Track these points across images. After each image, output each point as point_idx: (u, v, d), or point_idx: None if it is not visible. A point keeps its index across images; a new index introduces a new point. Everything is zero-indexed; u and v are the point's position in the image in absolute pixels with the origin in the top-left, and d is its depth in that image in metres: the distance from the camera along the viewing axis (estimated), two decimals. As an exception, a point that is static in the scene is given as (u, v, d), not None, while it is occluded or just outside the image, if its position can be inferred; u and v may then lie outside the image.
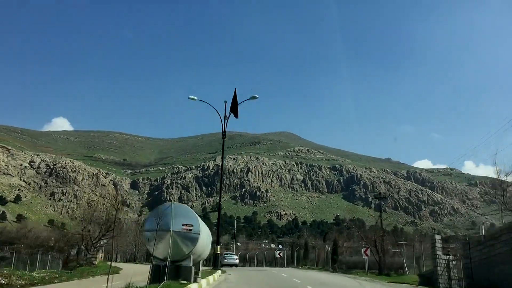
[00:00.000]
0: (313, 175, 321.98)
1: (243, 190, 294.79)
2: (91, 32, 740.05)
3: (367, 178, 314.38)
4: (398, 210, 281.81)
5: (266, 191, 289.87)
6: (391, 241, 65.17)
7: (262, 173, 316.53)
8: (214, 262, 40.77)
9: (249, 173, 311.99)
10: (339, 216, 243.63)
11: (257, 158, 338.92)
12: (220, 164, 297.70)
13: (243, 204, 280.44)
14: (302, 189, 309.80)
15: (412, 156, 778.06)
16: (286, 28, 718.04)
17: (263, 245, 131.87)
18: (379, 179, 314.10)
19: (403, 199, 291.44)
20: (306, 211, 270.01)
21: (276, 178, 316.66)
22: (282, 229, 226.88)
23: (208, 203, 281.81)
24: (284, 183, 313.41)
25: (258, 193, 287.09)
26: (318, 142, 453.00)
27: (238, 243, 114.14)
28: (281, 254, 68.64)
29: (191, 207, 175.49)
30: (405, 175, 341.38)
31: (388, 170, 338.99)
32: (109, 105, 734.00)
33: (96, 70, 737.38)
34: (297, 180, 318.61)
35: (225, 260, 54.32)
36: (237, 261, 56.67)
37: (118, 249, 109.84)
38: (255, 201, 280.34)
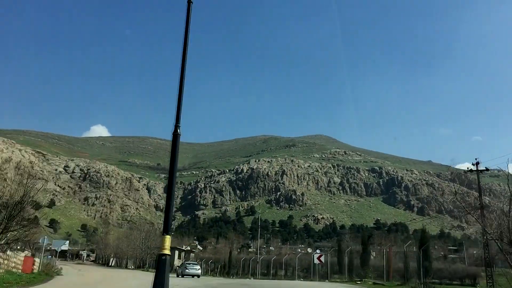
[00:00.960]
0: (351, 178, 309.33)
1: (278, 193, 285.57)
2: (127, 44, 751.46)
3: (408, 180, 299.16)
4: (442, 213, 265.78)
5: (302, 194, 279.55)
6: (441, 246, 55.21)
7: (297, 176, 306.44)
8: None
9: (284, 176, 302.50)
10: (379, 220, 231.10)
11: (292, 160, 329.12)
12: (254, 167, 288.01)
13: (278, 208, 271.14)
14: (339, 192, 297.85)
15: (453, 158, 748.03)
16: (321, 30, 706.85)
17: (299, 250, 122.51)
18: (422, 181, 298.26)
19: (448, 202, 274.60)
20: (344, 215, 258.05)
21: (312, 181, 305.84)
22: (319, 234, 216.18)
23: (242, 207, 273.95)
24: (321, 186, 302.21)
25: (293, 197, 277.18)
26: (354, 144, 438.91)
27: (271, 247, 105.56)
28: (322, 258, 48.27)
29: (224, 211, 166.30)
30: (449, 176, 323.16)
31: (431, 172, 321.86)
32: (144, 111, 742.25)
33: (133, 78, 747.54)
34: (334, 183, 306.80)
35: (187, 271, 51.05)
36: (199, 271, 52.54)
37: (116, 253, 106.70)
38: (291, 205, 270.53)
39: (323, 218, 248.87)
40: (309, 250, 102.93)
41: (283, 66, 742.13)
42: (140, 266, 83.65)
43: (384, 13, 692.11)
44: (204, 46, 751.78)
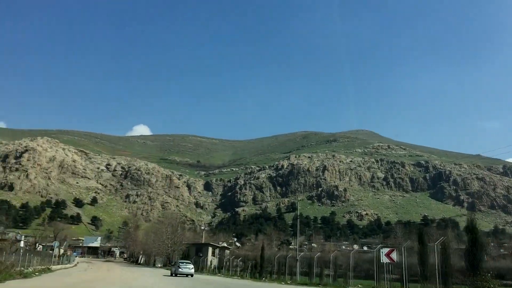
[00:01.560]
0: (396, 173, 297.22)
1: (320, 189, 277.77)
2: (168, 46, 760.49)
3: (457, 174, 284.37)
4: (495, 209, 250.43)
5: (345, 190, 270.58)
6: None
7: (339, 172, 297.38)
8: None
9: (326, 171, 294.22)
10: (427, 216, 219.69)
11: (333, 156, 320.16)
12: (295, 163, 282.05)
13: (319, 204, 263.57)
14: (383, 188, 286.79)
15: (504, 152, 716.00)
16: (365, 22, 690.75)
17: (343, 247, 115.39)
18: (471, 176, 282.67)
19: (501, 197, 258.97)
20: (390, 211, 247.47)
21: (355, 177, 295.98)
22: (363, 230, 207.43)
23: (282, 203, 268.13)
24: (364, 182, 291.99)
25: (335, 193, 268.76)
26: (397, 138, 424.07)
27: (313, 244, 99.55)
28: (393, 255, 32.31)
29: (265, 208, 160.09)
30: (501, 170, 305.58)
31: (481, 166, 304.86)
32: (184, 110, 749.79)
33: (174, 78, 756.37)
34: (377, 178, 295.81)
35: (180, 269, 50.29)
36: (193, 270, 51.78)
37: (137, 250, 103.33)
38: (333, 201, 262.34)
39: (367, 214, 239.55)
40: (356, 246, 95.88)
41: (323, 61, 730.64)
42: (168, 263, 77.04)
43: (443, 5, 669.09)
44: (243, 46, 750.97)
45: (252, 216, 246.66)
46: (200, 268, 62.24)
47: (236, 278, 49.64)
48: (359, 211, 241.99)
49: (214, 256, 64.72)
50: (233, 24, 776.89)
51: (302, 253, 49.36)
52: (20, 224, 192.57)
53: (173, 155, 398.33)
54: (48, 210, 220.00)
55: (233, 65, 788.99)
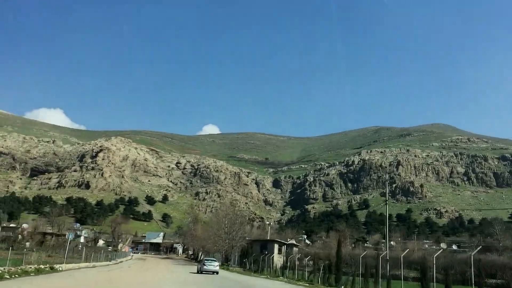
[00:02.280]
0: (478, 167, 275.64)
1: (394, 185, 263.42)
2: (234, 46, 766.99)
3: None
4: None
5: (421, 186, 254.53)
6: None
7: (414, 167, 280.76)
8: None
9: (400, 167, 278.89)
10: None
11: (407, 150, 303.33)
12: (366, 158, 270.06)
13: (394, 201, 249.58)
14: (464, 183, 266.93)
15: None
16: (444, 13, 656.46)
17: (426, 246, 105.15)
18: None
19: None
20: (472, 208, 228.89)
21: (432, 172, 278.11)
22: (443, 228, 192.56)
23: (354, 200, 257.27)
24: (442, 177, 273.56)
25: (411, 189, 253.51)
26: (478, 131, 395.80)
27: (392, 243, 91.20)
28: None
29: (336, 205, 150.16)
30: None
31: None
32: (252, 108, 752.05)
33: (242, 78, 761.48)
34: (457, 173, 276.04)
35: (204, 267, 49.26)
36: (217, 268, 50.26)
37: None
38: (408, 197, 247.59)
39: (446, 211, 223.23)
40: (443, 245, 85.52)
41: (393, 53, 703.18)
42: (225, 261, 69.92)
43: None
44: (313, 43, 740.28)
45: (322, 214, 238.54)
46: (261, 268, 52.62)
47: (303, 284, 37.52)
48: (438, 208, 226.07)
49: (280, 254, 57.47)
50: (306, 21, 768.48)
51: (383, 253, 40.72)
52: (95, 221, 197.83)
53: (242, 153, 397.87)
54: (121, 208, 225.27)
55: (302, 62, 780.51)
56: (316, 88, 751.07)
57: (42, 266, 30.05)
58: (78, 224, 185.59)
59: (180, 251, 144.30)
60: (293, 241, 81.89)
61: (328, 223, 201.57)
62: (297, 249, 66.16)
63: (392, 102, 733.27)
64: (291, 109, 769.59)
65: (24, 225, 69.56)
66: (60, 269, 32.04)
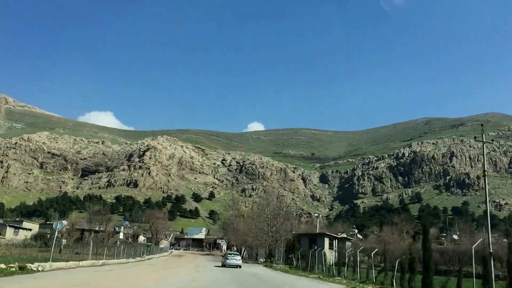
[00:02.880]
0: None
1: (448, 178, 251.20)
2: (276, 44, 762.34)
3: None
4: None
5: (477, 177, 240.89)
6: None
7: (469, 158, 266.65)
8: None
9: (454, 158, 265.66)
10: None
11: (461, 141, 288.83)
12: (417, 150, 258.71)
13: (448, 193, 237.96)
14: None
15: None
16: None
17: (492, 239, 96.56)
18: None
19: None
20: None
21: (489, 162, 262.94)
22: (504, 221, 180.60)
23: (405, 194, 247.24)
24: (500, 168, 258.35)
25: (466, 181, 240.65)
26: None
27: (454, 236, 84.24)
28: None
29: (386, 199, 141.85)
30: None
31: None
32: (296, 104, 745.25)
33: (286, 75, 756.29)
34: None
35: (227, 261, 50.51)
36: (240, 261, 51.60)
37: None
38: (464, 190, 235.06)
39: (506, 203, 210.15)
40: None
41: (443, 42, 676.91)
42: (268, 257, 63.70)
43: None
44: (355, 37, 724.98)
45: (372, 208, 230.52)
46: (310, 266, 45.30)
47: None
48: (497, 200, 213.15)
49: (331, 249, 51.81)
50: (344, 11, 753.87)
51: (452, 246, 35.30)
52: (142, 219, 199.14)
53: (287, 149, 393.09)
54: (169, 205, 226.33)
55: (346, 56, 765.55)
56: (361, 82, 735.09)
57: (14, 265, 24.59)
58: (127, 222, 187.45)
59: (224, 247, 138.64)
60: (344, 235, 76.48)
61: (379, 218, 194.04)
62: (350, 243, 59.76)
63: (444, 93, 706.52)
64: (336, 104, 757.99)
65: (63, 222, 68.29)
66: (40, 269, 25.52)
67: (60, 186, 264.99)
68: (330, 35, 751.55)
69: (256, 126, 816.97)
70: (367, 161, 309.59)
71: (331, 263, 43.37)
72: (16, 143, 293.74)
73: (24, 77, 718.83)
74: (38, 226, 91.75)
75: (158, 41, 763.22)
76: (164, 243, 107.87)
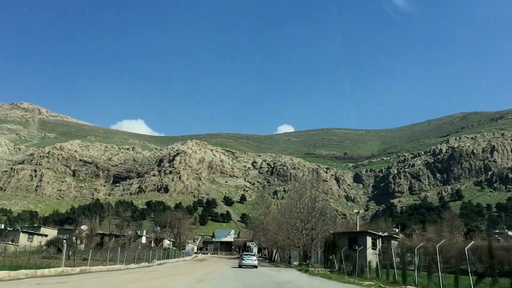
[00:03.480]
0: None
1: (490, 173, 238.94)
2: (300, 46, 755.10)
3: None
4: None
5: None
6: None
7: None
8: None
9: (495, 152, 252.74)
10: None
11: (502, 134, 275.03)
12: (455, 145, 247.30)
13: (491, 189, 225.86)
14: None
15: None
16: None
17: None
18: None
19: None
20: None
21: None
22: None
23: (445, 191, 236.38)
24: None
25: (510, 175, 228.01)
26: None
27: (510, 233, 76.33)
28: None
29: (424, 197, 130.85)
30: None
31: None
32: (326, 105, 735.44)
33: (314, 75, 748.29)
34: None
35: (243, 261, 51.53)
36: (256, 262, 52.43)
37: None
38: (508, 185, 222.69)
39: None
40: None
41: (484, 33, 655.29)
42: (303, 260, 54.41)
43: None
44: (388, 34, 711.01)
45: (410, 207, 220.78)
46: (357, 269, 35.45)
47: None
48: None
49: (374, 249, 44.10)
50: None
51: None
52: (174, 224, 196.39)
53: (319, 149, 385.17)
54: (200, 210, 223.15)
55: (374, 53, 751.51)
56: (392, 79, 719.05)
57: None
58: (158, 228, 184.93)
59: (255, 250, 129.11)
60: (386, 233, 69.56)
61: (418, 217, 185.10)
62: (396, 242, 52.01)
63: (481, 86, 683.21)
64: (366, 102, 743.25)
65: (83, 227, 64.76)
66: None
67: (93, 193, 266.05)
68: (357, 33, 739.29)
69: (285, 129, 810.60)
70: (402, 159, 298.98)
71: (373, 265, 36.83)
72: (49, 152, 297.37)
73: (57, 88, 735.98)
74: (56, 231, 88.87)
75: (186, 47, 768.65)
76: (190, 247, 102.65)
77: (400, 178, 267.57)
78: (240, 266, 49.78)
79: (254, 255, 57.55)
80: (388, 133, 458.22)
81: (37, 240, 68.63)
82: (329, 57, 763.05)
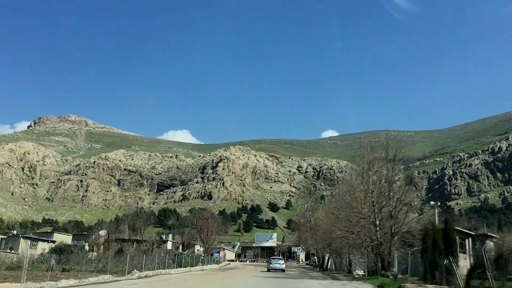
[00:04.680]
0: None
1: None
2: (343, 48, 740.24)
3: None
4: None
5: None
6: None
7: None
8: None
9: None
10: None
11: None
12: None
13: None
14: None
15: None
16: None
17: None
18: None
19: None
20: None
21: None
22: None
23: (507, 192, 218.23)
24: None
25: None
26: None
27: None
28: None
29: (485, 198, 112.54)
30: None
31: None
32: (373, 107, 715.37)
33: (357, 77, 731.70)
34: None
35: (271, 265, 51.44)
36: (284, 265, 51.94)
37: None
38: None
39: None
40: None
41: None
42: (381, 268, 35.49)
43: None
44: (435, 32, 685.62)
45: (470, 209, 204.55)
46: (442, 278, 25.24)
47: None
48: None
49: (463, 252, 31.63)
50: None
51: None
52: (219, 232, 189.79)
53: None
54: (244, 216, 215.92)
55: (426, 49, 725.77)
56: (441, 78, 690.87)
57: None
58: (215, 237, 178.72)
59: (302, 256, 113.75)
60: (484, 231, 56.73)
61: (481, 220, 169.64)
62: (492, 243, 38.00)
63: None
64: (415, 102, 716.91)
65: (101, 232, 58.16)
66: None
67: (137, 202, 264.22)
68: (402, 32, 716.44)
69: (330, 134, 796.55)
70: (457, 159, 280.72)
71: (465, 273, 26.59)
72: (94, 162, 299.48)
73: (104, 100, 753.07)
74: (71, 237, 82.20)
75: (228, 56, 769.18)
76: (221, 253, 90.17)
77: (456, 179, 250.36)
78: (268, 270, 50.63)
79: (281, 259, 58.31)
80: (440, 133, 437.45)
81: (41, 247, 62.40)
82: (373, 58, 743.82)
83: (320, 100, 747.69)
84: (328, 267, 65.47)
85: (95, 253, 47.80)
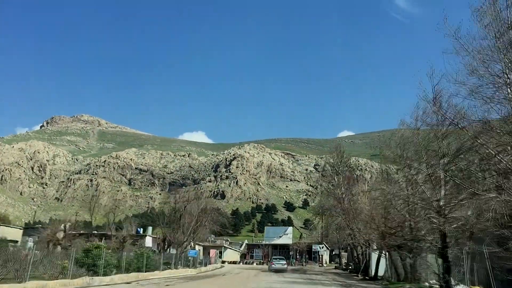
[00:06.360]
0: None
1: None
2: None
3: None
4: None
5: None
6: None
7: None
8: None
9: None
10: None
11: None
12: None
13: None
14: None
15: None
16: None
17: None
18: None
19: None
20: None
21: None
22: None
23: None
24: None
25: None
26: None
27: None
28: None
29: None
30: None
31: None
32: (385, 105, 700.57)
33: (371, 77, 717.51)
34: None
35: (273, 266, 50.11)
36: (286, 266, 50.77)
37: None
38: None
39: None
40: None
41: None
42: (458, 282, 23.60)
43: None
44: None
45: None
46: None
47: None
48: None
49: None
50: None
51: None
52: (230, 232, 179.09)
53: (385, 151, 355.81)
54: (258, 216, 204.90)
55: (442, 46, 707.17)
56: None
57: None
58: (212, 236, 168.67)
59: (325, 257, 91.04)
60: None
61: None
62: None
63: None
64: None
65: (63, 226, 48.02)
66: None
67: (148, 202, 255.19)
68: (419, 26, 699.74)
69: (347, 134, 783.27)
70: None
71: None
72: (105, 161, 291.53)
73: (118, 100, 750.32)
74: (21, 232, 67.20)
75: (246, 56, 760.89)
76: (213, 253, 75.45)
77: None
78: (269, 270, 49.18)
79: (283, 259, 54.92)
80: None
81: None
82: (386, 58, 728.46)
83: (337, 100, 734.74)
84: (378, 274, 41.05)
85: (37, 252, 37.51)
